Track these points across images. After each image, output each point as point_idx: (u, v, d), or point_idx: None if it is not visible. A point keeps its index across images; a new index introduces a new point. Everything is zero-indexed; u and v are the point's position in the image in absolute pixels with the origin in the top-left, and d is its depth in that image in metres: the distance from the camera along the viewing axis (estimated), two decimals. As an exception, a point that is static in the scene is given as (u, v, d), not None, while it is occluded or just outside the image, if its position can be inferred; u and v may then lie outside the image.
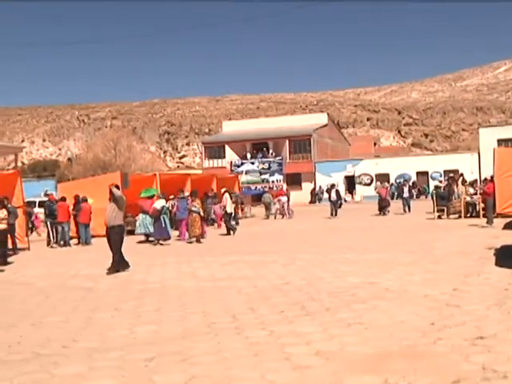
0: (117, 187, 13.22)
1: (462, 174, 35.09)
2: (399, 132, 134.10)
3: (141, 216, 20.68)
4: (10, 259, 16.40)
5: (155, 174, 27.58)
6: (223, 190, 24.03)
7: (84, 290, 10.55)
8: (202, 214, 19.86)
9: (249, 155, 61.11)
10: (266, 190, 50.36)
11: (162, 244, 19.27)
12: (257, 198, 52.40)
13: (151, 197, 20.88)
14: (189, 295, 9.39)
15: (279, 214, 31.87)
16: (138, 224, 20.85)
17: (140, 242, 20.45)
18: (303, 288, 9.49)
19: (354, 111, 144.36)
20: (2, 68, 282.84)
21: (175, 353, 5.90)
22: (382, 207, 30.49)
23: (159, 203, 19.79)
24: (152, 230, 19.93)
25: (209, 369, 5.32)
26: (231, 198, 23.62)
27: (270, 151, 60.59)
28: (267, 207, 33.45)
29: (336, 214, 29.83)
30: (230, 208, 22.83)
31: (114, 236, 12.90)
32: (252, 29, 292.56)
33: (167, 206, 21.01)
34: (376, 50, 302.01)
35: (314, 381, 4.90)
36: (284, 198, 32.03)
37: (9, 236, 17.21)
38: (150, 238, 20.44)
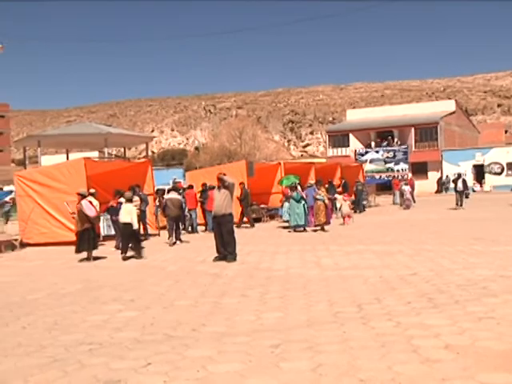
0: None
1: None
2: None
3: (286, 204, 21.20)
4: (142, 244, 17.16)
5: (279, 163, 27.81)
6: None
7: (211, 275, 10.85)
8: (326, 202, 19.83)
9: (373, 144, 60.24)
10: (391, 178, 49.38)
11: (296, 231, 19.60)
12: (381, 187, 51.67)
13: (293, 184, 21.48)
14: (313, 283, 9.42)
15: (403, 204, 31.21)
16: (284, 211, 21.56)
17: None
18: (431, 279, 9.24)
19: (483, 97, 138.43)
20: (136, 61, 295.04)
21: (301, 340, 5.94)
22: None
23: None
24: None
25: (335, 358, 5.31)
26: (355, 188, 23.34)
27: (395, 139, 59.41)
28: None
29: (462, 205, 28.79)
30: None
31: (227, 225, 13.00)
32: (373, 15, 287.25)
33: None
34: (507, 33, 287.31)
35: (444, 375, 4.74)
36: (407, 187, 31.35)
37: (140, 222, 18.00)
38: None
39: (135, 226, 14.47)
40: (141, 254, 14.45)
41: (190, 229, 21.61)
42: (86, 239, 14.30)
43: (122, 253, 14.52)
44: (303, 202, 19.87)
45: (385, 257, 12.29)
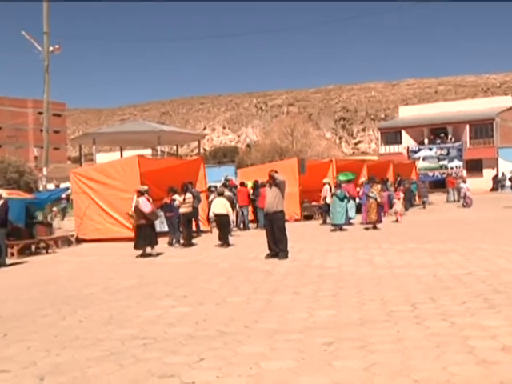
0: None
1: None
2: None
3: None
4: (194, 241, 17.37)
5: (331, 160, 27.69)
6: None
7: (263, 272, 10.89)
8: (378, 200, 19.64)
9: (426, 141, 59.38)
10: (445, 176, 48.57)
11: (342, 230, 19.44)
12: (434, 185, 50.86)
13: (350, 181, 21.52)
14: (366, 282, 9.35)
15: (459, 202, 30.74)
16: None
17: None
18: (486, 279, 9.05)
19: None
20: (188, 60, 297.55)
21: (354, 339, 5.90)
22: None
23: None
24: (353, 214, 21.19)
25: (388, 357, 5.26)
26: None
27: (449, 136, 58.40)
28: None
29: (518, 203, 28.14)
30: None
31: (278, 222, 13.01)
32: (424, 10, 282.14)
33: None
34: None
35: (502, 378, 4.62)
36: (465, 185, 30.84)
37: (193, 219, 18.19)
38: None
39: (232, 216, 17.08)
40: (229, 243, 16.10)
41: (241, 226, 21.74)
42: (143, 235, 14.59)
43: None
44: (346, 200, 19.80)
45: (438, 255, 12.11)
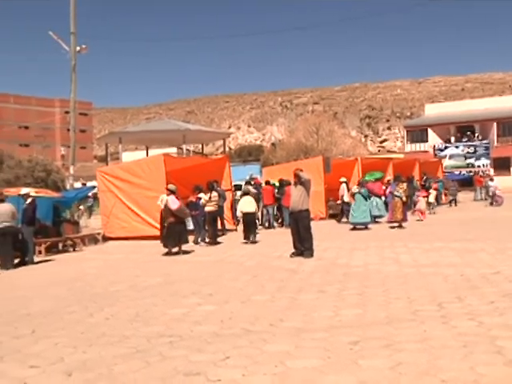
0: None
1: None
2: None
3: (372, 199, 21.32)
4: (219, 239, 17.42)
5: (357, 159, 27.58)
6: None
7: (288, 271, 10.88)
8: (404, 199, 19.50)
9: (453, 139, 58.88)
10: (472, 174, 48.10)
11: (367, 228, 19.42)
12: (461, 184, 50.38)
13: (377, 179, 21.60)
14: (392, 280, 9.29)
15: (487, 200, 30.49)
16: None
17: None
18: (515, 279, 8.94)
19: None
20: (212, 58, 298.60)
21: (380, 338, 5.87)
22: None
23: None
24: (383, 212, 21.27)
25: (415, 356, 5.21)
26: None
27: (476, 134, 57.85)
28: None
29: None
30: (346, 198, 22.33)
31: (303, 220, 12.97)
32: (452, 7, 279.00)
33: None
34: None
35: (530, 377, 4.59)
36: (493, 183, 30.53)
37: (218, 217, 18.25)
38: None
39: (258, 214, 17.54)
40: (255, 240, 16.69)
41: (266, 224, 21.74)
42: (172, 234, 14.67)
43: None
44: (370, 199, 19.78)
45: (465, 254, 11.99)
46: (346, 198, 22.40)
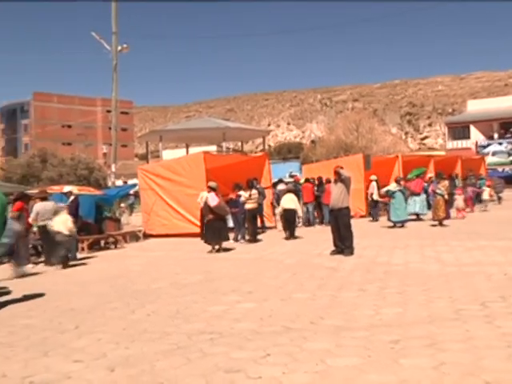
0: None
1: None
2: None
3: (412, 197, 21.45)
4: (259, 237, 17.45)
5: (397, 156, 27.34)
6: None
7: (328, 269, 10.83)
8: (446, 197, 19.24)
9: (496, 135, 57.89)
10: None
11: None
12: (504, 181, 49.49)
13: (418, 175, 21.68)
14: (433, 279, 9.17)
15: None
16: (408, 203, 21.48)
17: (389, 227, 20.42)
18: (561, 278, 8.75)
19: None
20: (252, 56, 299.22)
21: (421, 337, 5.80)
22: None
23: None
24: (424, 210, 21.56)
25: (458, 356, 5.14)
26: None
27: (520, 130, 56.75)
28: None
29: None
30: (376, 196, 22.20)
31: (344, 218, 12.90)
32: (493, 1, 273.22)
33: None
34: None
35: None
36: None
37: (258, 215, 18.29)
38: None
39: (300, 212, 17.98)
40: (295, 236, 17.00)
41: (306, 222, 21.68)
42: (211, 231, 14.75)
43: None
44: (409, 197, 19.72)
45: (509, 253, 11.76)
46: (376, 196, 22.27)
